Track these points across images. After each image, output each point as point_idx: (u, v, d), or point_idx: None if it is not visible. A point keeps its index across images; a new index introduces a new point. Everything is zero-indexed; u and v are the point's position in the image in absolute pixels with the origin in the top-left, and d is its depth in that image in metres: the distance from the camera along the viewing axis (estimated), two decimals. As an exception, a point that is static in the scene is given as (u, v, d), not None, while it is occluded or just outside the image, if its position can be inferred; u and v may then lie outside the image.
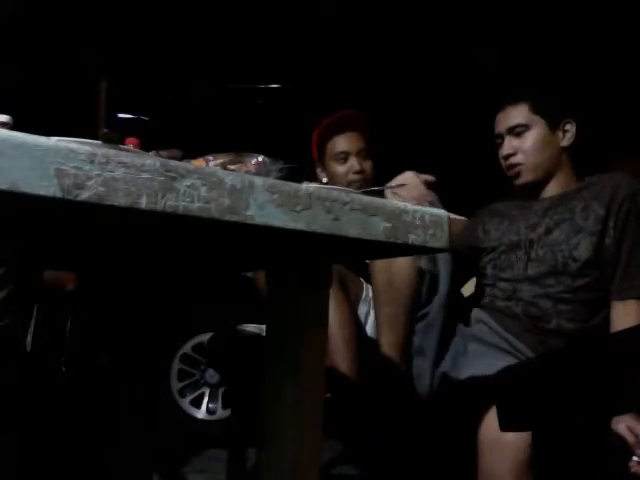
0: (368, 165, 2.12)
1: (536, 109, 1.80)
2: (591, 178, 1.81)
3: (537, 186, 1.82)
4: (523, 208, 1.83)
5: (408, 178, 1.75)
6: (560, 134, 1.81)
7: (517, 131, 1.81)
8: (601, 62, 3.42)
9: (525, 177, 1.81)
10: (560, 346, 1.67)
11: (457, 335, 1.75)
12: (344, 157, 2.12)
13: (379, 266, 1.72)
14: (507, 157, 1.82)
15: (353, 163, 2.10)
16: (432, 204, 1.64)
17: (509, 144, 1.82)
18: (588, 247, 1.68)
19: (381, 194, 1.77)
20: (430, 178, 1.77)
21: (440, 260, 1.72)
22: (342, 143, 2.13)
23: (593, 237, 1.68)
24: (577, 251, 1.69)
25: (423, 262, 1.71)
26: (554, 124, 1.81)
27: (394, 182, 1.75)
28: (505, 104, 1.86)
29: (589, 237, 1.69)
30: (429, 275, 1.71)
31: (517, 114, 1.82)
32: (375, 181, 2.06)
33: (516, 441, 1.48)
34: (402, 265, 1.70)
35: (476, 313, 1.79)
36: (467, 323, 1.80)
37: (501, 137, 1.84)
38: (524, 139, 1.80)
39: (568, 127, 1.81)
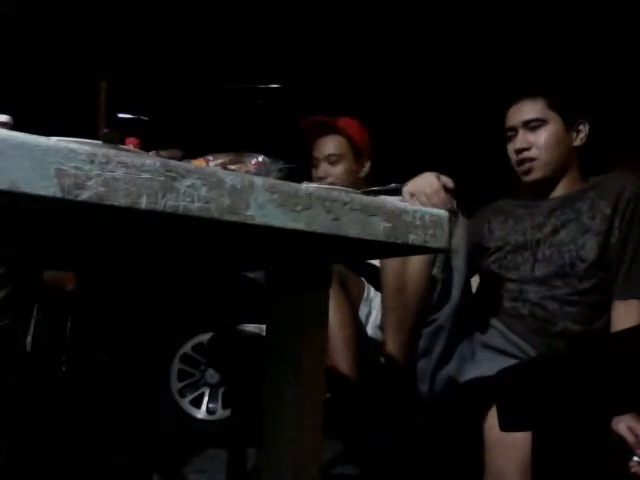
0: (338, 170, 2.15)
1: (553, 105, 1.77)
2: (596, 178, 1.80)
3: (546, 184, 1.79)
4: (529, 207, 1.82)
5: (428, 180, 1.66)
6: (574, 134, 1.79)
7: (532, 125, 1.77)
8: (603, 63, 3.42)
9: (536, 173, 1.77)
10: (565, 348, 1.66)
11: (466, 340, 1.73)
12: (315, 162, 2.19)
13: (391, 270, 1.70)
14: (520, 151, 1.78)
15: (320, 168, 2.16)
16: (452, 212, 1.58)
17: (523, 138, 1.78)
18: (594, 247, 1.67)
19: (383, 194, 1.77)
20: (450, 183, 1.67)
21: (455, 269, 1.68)
22: (314, 148, 2.20)
23: (599, 237, 1.68)
24: (584, 251, 1.68)
25: (437, 270, 1.68)
26: (569, 123, 1.78)
27: (411, 183, 1.68)
28: (519, 98, 1.82)
29: (595, 237, 1.68)
30: (442, 283, 1.68)
31: (533, 108, 1.78)
32: (371, 183, 2.07)
33: (522, 440, 1.48)
34: (415, 271, 1.67)
35: (485, 317, 1.77)
36: (482, 330, 1.77)
37: (514, 130, 1.80)
38: (539, 134, 1.77)
39: (582, 127, 1.79)
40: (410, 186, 1.66)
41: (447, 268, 1.68)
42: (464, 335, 1.73)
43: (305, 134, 2.23)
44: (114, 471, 1.56)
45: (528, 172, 1.78)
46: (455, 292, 1.68)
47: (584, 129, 1.79)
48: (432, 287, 1.68)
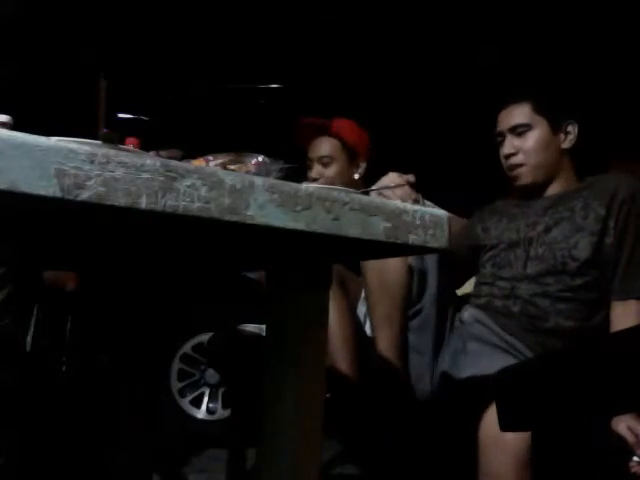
0: (330, 172, 2.19)
1: (539, 109, 1.79)
2: (591, 178, 1.80)
3: (537, 188, 1.81)
4: (523, 207, 1.83)
5: (392, 179, 1.74)
6: (562, 136, 1.80)
7: (519, 131, 1.79)
8: (603, 64, 3.42)
9: (525, 179, 1.80)
10: (558, 345, 1.67)
11: (455, 333, 1.75)
12: (309, 163, 2.23)
13: (371, 265, 1.73)
14: (508, 157, 1.81)
15: (313, 169, 2.20)
16: (416, 201, 1.69)
17: (510, 144, 1.81)
18: (587, 246, 1.68)
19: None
20: (412, 178, 1.75)
21: (428, 256, 1.74)
22: (309, 149, 2.24)
23: (593, 237, 1.68)
24: (576, 250, 1.69)
25: (412, 259, 1.73)
26: (556, 125, 1.79)
27: (379, 183, 1.75)
28: (508, 103, 1.84)
29: (589, 236, 1.68)
30: (418, 272, 1.73)
31: (520, 113, 1.81)
32: (370, 182, 2.08)
33: (518, 440, 1.48)
34: (394, 263, 1.71)
35: (472, 312, 1.78)
36: (473, 326, 1.79)
37: (502, 136, 1.83)
38: (526, 139, 1.79)
39: (570, 129, 1.80)
40: (377, 185, 1.74)
41: (421, 257, 1.74)
42: (455, 332, 1.75)
43: (300, 135, 2.25)
44: (114, 471, 1.56)
45: (517, 178, 1.81)
46: (431, 278, 1.73)
47: (573, 130, 1.80)
48: (410, 277, 1.73)
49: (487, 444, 1.54)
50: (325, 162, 2.20)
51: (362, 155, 2.26)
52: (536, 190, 1.82)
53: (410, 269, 1.72)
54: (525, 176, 1.80)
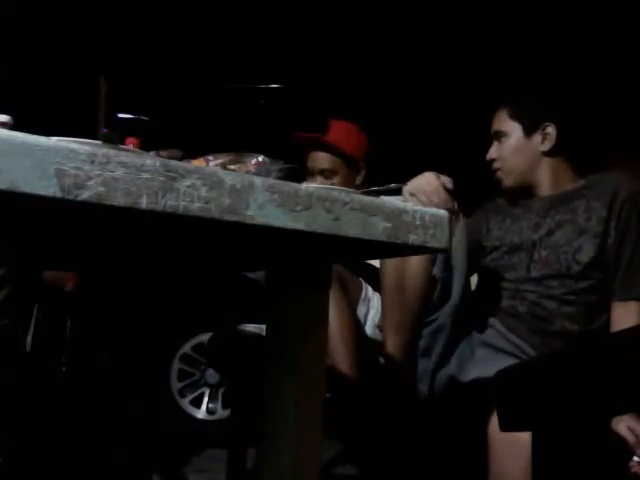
0: (334, 182, 2.15)
1: (513, 115, 1.81)
2: (592, 177, 1.80)
3: (520, 191, 1.82)
4: (525, 206, 1.83)
5: (427, 179, 1.66)
6: (538, 139, 1.79)
7: (498, 137, 1.83)
8: (604, 64, 3.42)
9: (505, 183, 1.83)
10: (563, 348, 1.66)
11: (465, 340, 1.73)
12: (310, 172, 2.22)
13: (391, 269, 1.69)
14: (490, 162, 1.85)
15: (316, 180, 2.17)
16: (452, 211, 1.55)
17: (494, 149, 1.84)
18: (591, 249, 1.67)
19: (383, 194, 1.77)
20: (449, 183, 1.66)
21: (456, 269, 1.67)
22: (309, 159, 2.23)
23: (596, 239, 1.67)
24: (580, 254, 1.68)
25: (437, 270, 1.67)
26: (530, 129, 1.79)
27: (411, 182, 1.68)
28: (497, 107, 1.87)
29: (592, 239, 1.68)
30: (442, 283, 1.67)
31: (498, 120, 1.84)
32: (370, 183, 2.08)
33: (527, 440, 1.47)
34: (414, 270, 1.66)
35: (478, 313, 1.78)
36: (480, 329, 1.76)
37: (491, 139, 1.86)
38: (502, 145, 1.82)
39: (549, 130, 1.79)
40: (410, 185, 1.67)
41: (447, 268, 1.68)
42: (463, 334, 1.74)
43: (296, 147, 2.24)
44: (114, 471, 1.56)
45: (498, 182, 1.85)
46: (455, 292, 1.68)
47: (552, 132, 1.78)
48: (432, 287, 1.68)
49: (497, 444, 1.53)
50: (327, 175, 2.19)
51: (362, 160, 2.25)
52: (521, 193, 1.82)
53: (434, 280, 1.66)
54: (504, 181, 1.83)
